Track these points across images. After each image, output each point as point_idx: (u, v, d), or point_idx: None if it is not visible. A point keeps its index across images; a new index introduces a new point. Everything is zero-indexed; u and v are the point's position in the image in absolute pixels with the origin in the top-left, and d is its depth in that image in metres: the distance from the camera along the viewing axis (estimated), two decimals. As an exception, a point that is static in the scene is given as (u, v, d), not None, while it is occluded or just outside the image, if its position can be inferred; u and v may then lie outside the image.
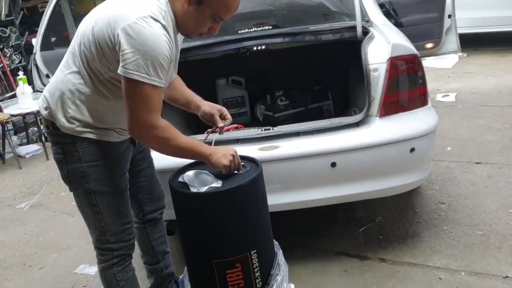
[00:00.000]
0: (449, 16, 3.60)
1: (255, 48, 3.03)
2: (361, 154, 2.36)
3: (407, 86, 2.43)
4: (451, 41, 3.67)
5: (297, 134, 2.42)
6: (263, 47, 3.03)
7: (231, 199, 1.82)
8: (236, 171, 1.90)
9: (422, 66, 2.48)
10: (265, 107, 3.37)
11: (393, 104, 2.41)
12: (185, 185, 1.89)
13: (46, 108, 1.82)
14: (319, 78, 3.48)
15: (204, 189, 1.83)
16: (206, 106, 2.01)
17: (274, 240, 2.11)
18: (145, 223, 2.22)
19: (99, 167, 1.84)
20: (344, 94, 3.35)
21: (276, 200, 2.38)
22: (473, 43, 7.12)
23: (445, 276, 2.41)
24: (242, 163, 1.97)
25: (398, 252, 2.65)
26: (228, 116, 2.02)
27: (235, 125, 2.51)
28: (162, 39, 1.57)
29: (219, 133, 2.01)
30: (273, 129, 2.47)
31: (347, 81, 3.29)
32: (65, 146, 1.81)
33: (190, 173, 1.95)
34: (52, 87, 1.81)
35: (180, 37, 1.85)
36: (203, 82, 3.37)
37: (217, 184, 1.86)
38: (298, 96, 3.40)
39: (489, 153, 3.76)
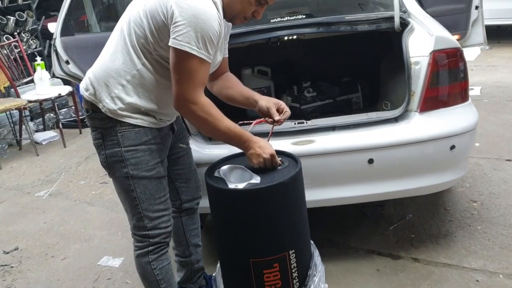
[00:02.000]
0: (476, 8, 3.44)
1: (286, 38, 2.93)
2: (400, 151, 2.26)
3: (448, 81, 2.33)
4: (478, 33, 3.52)
5: (332, 128, 2.33)
6: (295, 36, 2.92)
7: (270, 196, 1.75)
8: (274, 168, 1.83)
9: (465, 60, 2.37)
10: (292, 99, 3.28)
11: (434, 99, 2.31)
12: (221, 180, 1.82)
13: (88, 90, 1.80)
14: (348, 70, 3.38)
15: (242, 185, 1.76)
16: (263, 100, 1.95)
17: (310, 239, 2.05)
18: (181, 212, 2.17)
19: (138, 152, 1.80)
20: (374, 87, 3.24)
21: (311, 196, 2.29)
22: (495, 35, 6.96)
23: (482, 278, 2.32)
24: (280, 158, 1.89)
25: (431, 252, 2.56)
26: (286, 109, 1.95)
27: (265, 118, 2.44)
28: (213, 13, 1.61)
29: (275, 125, 1.95)
30: (307, 122, 2.39)
31: (377, 73, 3.19)
32: (104, 131, 1.79)
33: (226, 167, 1.88)
34: (97, 68, 1.80)
35: (227, 25, 1.84)
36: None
37: (256, 180, 1.79)
38: (326, 87, 3.30)
39: (520, 150, 3.66)
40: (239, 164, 1.90)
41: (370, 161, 2.26)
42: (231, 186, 1.77)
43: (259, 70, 3.41)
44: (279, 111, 1.93)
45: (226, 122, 1.74)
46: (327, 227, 2.88)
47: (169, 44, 1.61)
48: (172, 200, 2.13)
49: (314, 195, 2.31)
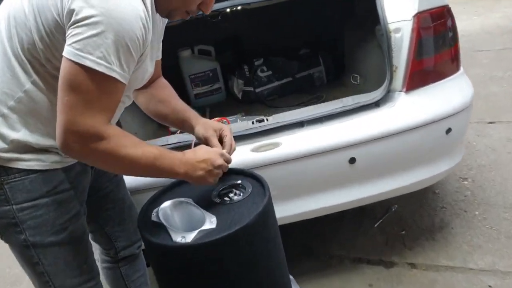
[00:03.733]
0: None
1: (228, 10, 2.38)
2: (386, 143, 1.80)
3: (438, 49, 1.86)
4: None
5: (300, 124, 1.83)
6: (239, 7, 2.37)
7: (232, 248, 1.24)
8: (231, 197, 1.36)
9: (454, 20, 1.91)
10: (243, 81, 2.75)
11: (422, 74, 1.85)
12: (162, 229, 1.30)
13: None
14: (306, 40, 2.86)
15: (192, 235, 1.24)
16: (201, 126, 1.43)
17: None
18: (118, 262, 1.68)
19: (37, 209, 1.25)
20: (338, 58, 2.76)
21: (281, 211, 1.82)
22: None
23: (495, 283, 1.93)
24: (239, 182, 1.40)
25: (429, 252, 2.16)
26: (228, 138, 1.42)
27: (217, 119, 1.92)
28: (136, 10, 1.06)
29: None
30: (267, 119, 1.87)
31: (341, 42, 2.70)
32: None
33: (167, 205, 1.35)
34: None
35: (161, 20, 1.32)
36: (162, 56, 2.71)
37: (210, 223, 1.28)
38: (282, 63, 2.79)
39: (500, 109, 3.30)
40: (185, 196, 1.39)
41: (352, 160, 1.79)
42: (177, 238, 1.25)
43: (201, 50, 2.85)
44: (220, 139, 1.42)
45: (147, 150, 1.18)
46: (301, 232, 2.42)
47: (63, 53, 1.05)
48: (104, 248, 1.67)
49: (285, 210, 1.84)
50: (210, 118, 2.60)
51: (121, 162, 1.16)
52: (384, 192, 1.90)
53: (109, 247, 1.65)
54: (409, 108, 1.83)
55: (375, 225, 2.37)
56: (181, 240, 1.24)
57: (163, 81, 1.54)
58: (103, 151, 1.11)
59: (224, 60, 2.88)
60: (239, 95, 2.76)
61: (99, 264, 1.75)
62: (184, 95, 2.81)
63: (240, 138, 1.80)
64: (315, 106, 1.93)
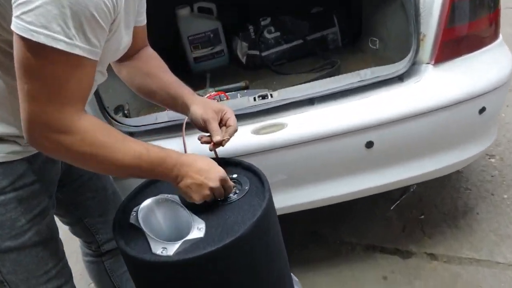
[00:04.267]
0: None
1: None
2: (409, 125, 1.55)
3: (475, 14, 1.57)
4: None
5: (310, 101, 1.58)
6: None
7: (223, 262, 1.03)
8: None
9: (496, -22, 1.61)
10: (248, 44, 2.46)
11: (454, 44, 1.57)
12: (140, 235, 1.09)
13: None
14: (318, -3, 2.55)
15: (175, 247, 1.03)
16: (199, 106, 1.18)
17: (292, 275, 1.38)
18: (101, 256, 1.51)
19: None
20: (354, 18, 2.45)
21: (284, 201, 1.62)
22: None
23: (527, 280, 1.73)
24: (234, 177, 1.18)
25: (451, 241, 1.94)
26: (231, 121, 1.18)
27: (214, 93, 1.68)
28: None
29: (215, 148, 1.19)
30: (271, 96, 1.61)
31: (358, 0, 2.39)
32: None
33: (148, 202, 1.14)
34: None
35: None
36: (157, 15, 2.43)
37: (198, 231, 1.07)
38: (292, 24, 2.49)
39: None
40: (171, 191, 1.18)
41: (369, 144, 1.55)
42: (157, 249, 1.04)
43: (201, 7, 2.56)
44: (222, 123, 1.18)
45: (130, 148, 0.96)
46: (307, 214, 2.19)
47: (12, 27, 0.82)
48: (86, 242, 1.49)
49: (292, 198, 1.63)
50: (210, 85, 2.38)
51: (98, 161, 0.94)
52: (404, 179, 1.67)
53: (91, 241, 1.47)
54: (437, 84, 1.57)
55: (391, 208, 2.15)
56: (161, 252, 1.03)
57: (149, 51, 1.28)
58: (76, 149, 0.90)
59: (227, 20, 2.58)
60: (243, 60, 2.48)
61: (81, 258, 1.57)
62: (182, 58, 2.54)
63: (240, 117, 1.53)
64: (327, 80, 1.66)
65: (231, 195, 1.14)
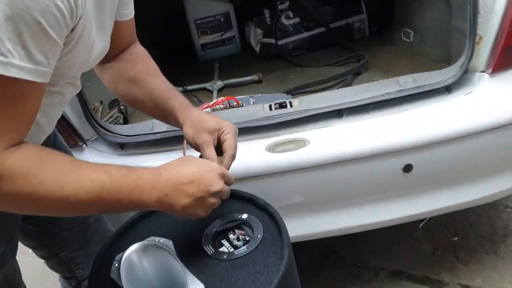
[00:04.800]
0: None
1: None
2: (459, 146, 1.27)
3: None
4: None
5: (338, 114, 1.30)
6: None
7: None
8: (231, 244, 0.91)
9: None
10: (263, 31, 2.18)
11: (518, 49, 1.28)
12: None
13: None
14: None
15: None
16: (189, 127, 0.95)
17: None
18: None
19: None
20: (385, 4, 2.15)
21: (301, 228, 1.36)
22: None
23: None
24: (244, 218, 0.95)
25: (489, 271, 1.69)
26: (228, 144, 0.93)
27: (222, 99, 1.42)
28: None
29: None
30: (291, 104, 1.34)
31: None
32: None
33: (133, 249, 0.90)
34: None
35: None
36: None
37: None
38: (313, 9, 2.19)
39: None
40: (164, 231, 0.95)
41: (407, 168, 1.28)
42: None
43: (210, -13, 2.27)
44: (219, 145, 0.94)
45: (84, 178, 0.71)
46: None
47: None
48: (64, 277, 1.27)
49: (310, 226, 1.38)
50: (219, 77, 2.11)
51: (46, 205, 0.71)
52: (445, 207, 1.40)
53: (70, 276, 1.23)
54: (493, 97, 1.29)
55: (419, 226, 1.89)
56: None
57: (137, 50, 1.03)
58: (13, 196, 0.67)
59: (239, 2, 2.29)
60: (257, 48, 2.20)
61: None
62: (189, 46, 2.26)
63: (252, 130, 1.30)
64: (358, 88, 1.39)
65: (239, 244, 0.89)
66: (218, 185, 0.81)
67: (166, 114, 0.98)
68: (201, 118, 0.95)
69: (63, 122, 1.25)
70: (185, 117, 0.94)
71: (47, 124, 0.86)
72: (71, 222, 1.14)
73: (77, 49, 0.71)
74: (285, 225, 0.90)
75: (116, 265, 0.89)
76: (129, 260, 0.87)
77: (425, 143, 1.25)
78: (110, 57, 0.95)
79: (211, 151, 0.90)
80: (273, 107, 1.34)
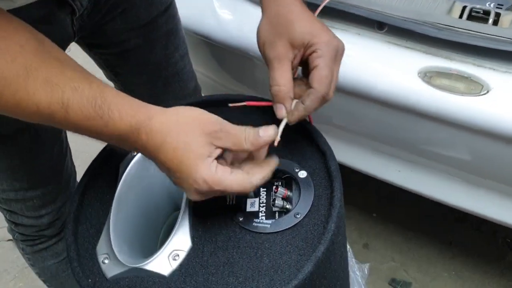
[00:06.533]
0: None
1: None
2: None
3: None
4: None
5: None
6: None
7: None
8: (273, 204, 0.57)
9: None
10: None
11: None
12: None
13: None
14: None
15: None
16: (266, 24, 0.56)
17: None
18: None
19: None
20: None
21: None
22: None
23: None
24: (297, 171, 0.59)
25: None
26: (319, 78, 0.53)
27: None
28: None
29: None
30: (497, 18, 0.82)
31: None
32: None
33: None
34: None
35: None
36: None
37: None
38: None
39: None
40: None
41: None
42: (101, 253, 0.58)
43: None
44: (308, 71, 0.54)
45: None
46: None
47: None
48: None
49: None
50: None
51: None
52: None
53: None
54: None
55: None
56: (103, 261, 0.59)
57: None
58: None
59: None
60: None
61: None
62: None
63: (410, 35, 0.83)
64: None
65: (279, 203, 0.57)
66: (194, 196, 0.50)
67: None
68: (290, 16, 0.55)
69: None
70: (269, 4, 0.57)
71: None
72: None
73: None
74: (340, 183, 0.54)
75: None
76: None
77: None
78: None
79: (282, 78, 0.54)
80: (468, 13, 0.84)
